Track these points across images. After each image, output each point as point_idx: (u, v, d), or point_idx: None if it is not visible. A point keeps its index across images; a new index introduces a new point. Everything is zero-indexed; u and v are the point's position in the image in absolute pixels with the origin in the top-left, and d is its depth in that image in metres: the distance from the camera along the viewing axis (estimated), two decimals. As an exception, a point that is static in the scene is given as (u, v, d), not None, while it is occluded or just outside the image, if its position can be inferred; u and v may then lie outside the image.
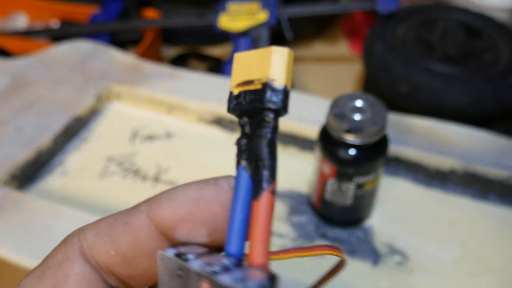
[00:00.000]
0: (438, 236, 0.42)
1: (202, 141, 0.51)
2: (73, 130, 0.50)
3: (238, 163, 0.15)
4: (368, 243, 0.41)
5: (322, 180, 0.40)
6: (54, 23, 0.75)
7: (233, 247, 0.14)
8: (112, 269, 0.14)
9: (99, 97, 0.52)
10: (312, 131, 0.47)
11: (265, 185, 0.14)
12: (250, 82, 0.15)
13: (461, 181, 0.45)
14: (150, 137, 0.51)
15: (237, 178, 0.15)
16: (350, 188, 0.39)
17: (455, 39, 0.60)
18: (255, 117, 0.15)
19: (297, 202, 0.44)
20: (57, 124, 0.48)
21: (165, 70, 0.55)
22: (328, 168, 0.39)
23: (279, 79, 0.14)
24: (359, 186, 0.39)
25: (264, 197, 0.14)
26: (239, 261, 0.14)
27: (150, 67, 0.55)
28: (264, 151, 0.14)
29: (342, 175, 0.38)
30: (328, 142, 0.38)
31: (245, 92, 0.15)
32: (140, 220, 0.14)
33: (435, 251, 0.41)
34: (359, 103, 0.38)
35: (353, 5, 0.69)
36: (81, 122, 0.50)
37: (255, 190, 0.14)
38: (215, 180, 0.15)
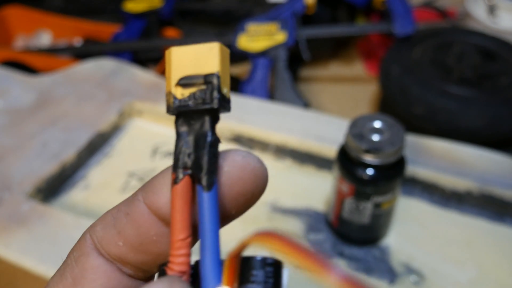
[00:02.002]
0: (455, 257, 0.42)
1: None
2: (96, 146, 0.51)
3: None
4: (385, 262, 0.42)
5: (340, 199, 0.41)
6: (77, 41, 0.77)
7: (210, 283, 0.13)
8: (124, 259, 0.15)
9: (121, 114, 0.54)
10: (329, 150, 0.48)
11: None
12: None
13: (477, 203, 0.45)
14: (170, 154, 0.52)
15: (201, 204, 0.14)
16: (367, 207, 0.39)
17: (471, 62, 0.61)
18: (193, 117, 0.14)
19: (314, 220, 0.45)
20: (81, 139, 0.49)
21: (186, 88, 0.56)
22: (346, 187, 0.39)
23: (224, 79, 0.14)
24: (377, 205, 0.39)
25: (176, 188, 0.14)
26: None
27: (171, 85, 0.57)
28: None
29: (360, 194, 0.39)
30: (346, 161, 0.39)
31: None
32: (139, 209, 0.15)
33: (452, 272, 0.41)
34: (377, 124, 0.38)
35: (370, 27, 0.70)
36: (103, 137, 0.52)
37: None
38: None
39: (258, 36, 0.66)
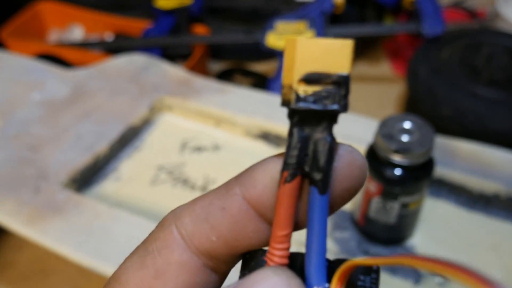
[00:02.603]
0: (480, 260, 0.42)
1: (248, 154, 0.53)
2: (127, 139, 0.52)
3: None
4: (410, 262, 0.42)
5: (367, 198, 0.41)
6: (108, 36, 0.78)
7: (315, 282, 0.14)
8: (214, 253, 0.15)
9: (152, 108, 0.55)
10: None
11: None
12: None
13: (505, 206, 0.45)
14: (199, 148, 0.53)
15: (312, 204, 0.14)
16: (394, 207, 0.40)
17: (501, 64, 0.60)
18: (313, 117, 0.14)
19: (340, 218, 0.46)
20: (113, 132, 0.51)
21: (214, 84, 0.57)
22: (374, 187, 0.40)
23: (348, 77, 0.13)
24: (404, 206, 0.40)
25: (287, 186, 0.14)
26: None
27: (200, 82, 0.58)
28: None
29: (388, 194, 0.39)
30: (375, 161, 0.39)
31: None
32: (237, 203, 0.14)
33: (477, 274, 0.41)
34: (407, 124, 0.39)
35: (399, 27, 0.70)
36: (134, 131, 0.53)
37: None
38: None
39: (287, 34, 0.66)
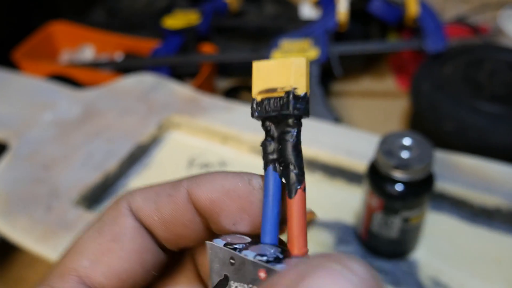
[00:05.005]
0: (483, 273, 0.43)
1: (254, 170, 0.53)
2: (136, 156, 0.54)
3: (267, 163, 0.16)
4: (413, 276, 0.43)
5: (369, 213, 0.42)
6: (118, 56, 0.81)
7: (268, 239, 0.16)
8: (152, 231, 0.17)
9: (160, 126, 0.57)
10: (359, 165, 0.49)
11: (297, 184, 0.16)
12: (273, 90, 0.16)
13: (506, 220, 0.46)
14: (206, 165, 0.55)
15: (266, 178, 0.16)
16: (396, 221, 0.41)
17: (503, 79, 0.61)
18: (279, 122, 0.16)
19: (344, 232, 0.46)
20: (123, 150, 0.52)
21: (220, 103, 0.59)
22: (375, 202, 0.41)
23: (301, 87, 0.16)
24: (405, 220, 0.41)
25: (299, 195, 0.16)
26: (284, 251, 0.16)
27: (207, 100, 0.59)
28: (293, 153, 0.16)
29: (389, 209, 0.40)
30: (376, 177, 0.40)
31: (269, 99, 0.16)
32: (181, 194, 0.16)
33: (480, 288, 0.42)
34: (407, 141, 0.40)
35: (401, 44, 0.71)
36: (143, 149, 0.55)
37: (289, 189, 0.16)
38: (249, 178, 0.17)
39: (291, 52, 0.68)
